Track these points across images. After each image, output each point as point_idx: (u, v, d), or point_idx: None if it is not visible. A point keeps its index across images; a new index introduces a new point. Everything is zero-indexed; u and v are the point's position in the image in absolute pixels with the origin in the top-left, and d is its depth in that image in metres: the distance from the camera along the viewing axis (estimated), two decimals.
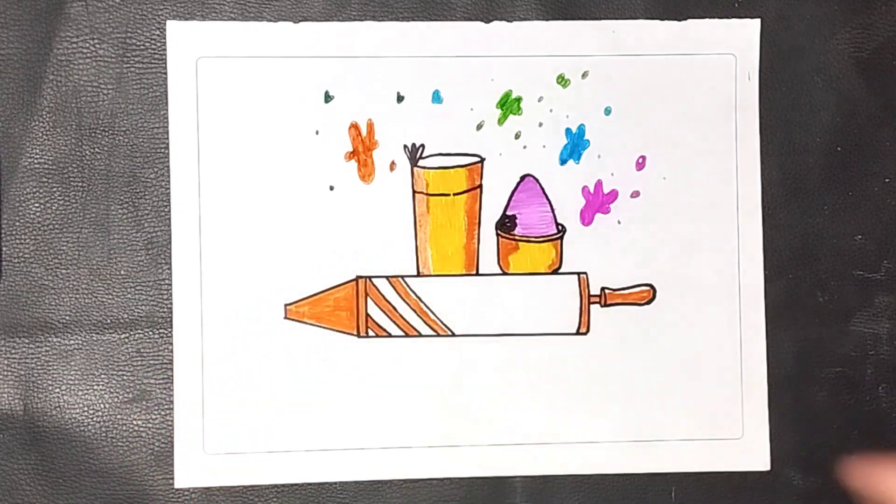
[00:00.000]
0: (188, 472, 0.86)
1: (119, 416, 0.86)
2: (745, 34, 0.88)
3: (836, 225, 0.89)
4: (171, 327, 0.86)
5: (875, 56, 0.89)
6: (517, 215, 0.87)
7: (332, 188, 0.86)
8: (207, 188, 0.86)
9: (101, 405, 0.86)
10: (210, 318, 0.86)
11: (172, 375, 0.86)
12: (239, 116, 0.86)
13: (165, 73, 0.86)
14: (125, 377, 0.86)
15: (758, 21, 0.88)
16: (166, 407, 0.86)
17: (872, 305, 0.89)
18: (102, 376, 0.83)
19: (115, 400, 0.86)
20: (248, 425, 0.85)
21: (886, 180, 0.89)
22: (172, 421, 0.86)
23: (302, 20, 0.86)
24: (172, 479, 0.85)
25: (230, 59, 0.86)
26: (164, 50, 0.86)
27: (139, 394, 0.86)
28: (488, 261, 0.88)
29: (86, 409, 0.85)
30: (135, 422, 0.86)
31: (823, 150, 0.88)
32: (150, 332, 0.86)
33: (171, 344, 0.86)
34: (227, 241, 0.86)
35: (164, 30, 0.85)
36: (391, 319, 0.87)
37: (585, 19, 0.87)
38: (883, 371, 0.89)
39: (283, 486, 0.86)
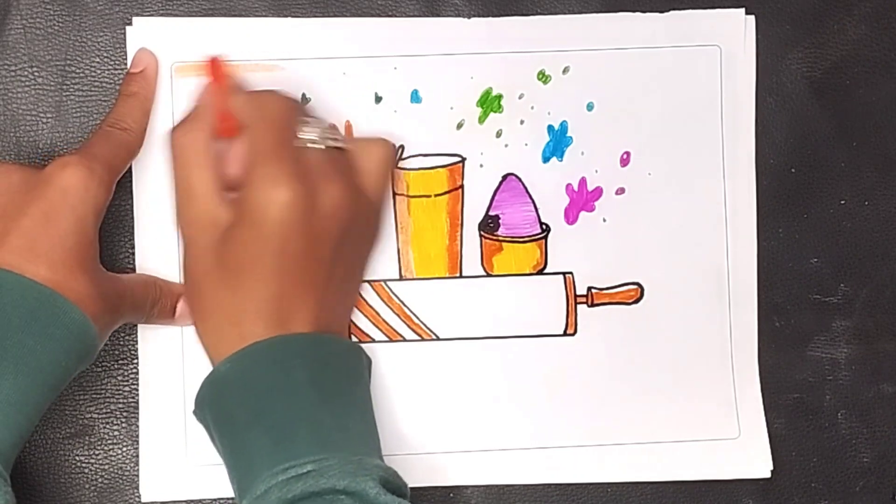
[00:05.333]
0: (166, 485, 0.84)
1: (61, 452, 0.85)
2: (729, 24, 0.87)
3: (791, 248, 0.88)
4: (113, 361, 0.85)
5: (828, 76, 0.89)
6: (500, 215, 0.87)
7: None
8: None
9: (43, 440, 0.85)
10: (191, 328, 0.83)
11: (114, 409, 0.85)
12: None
13: (106, 101, 0.85)
14: (67, 412, 0.85)
15: (742, 11, 0.87)
16: (109, 442, 0.85)
17: (830, 330, 0.89)
18: None
19: (57, 435, 0.85)
20: None
21: (842, 202, 0.89)
22: (115, 456, 0.85)
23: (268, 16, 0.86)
24: None
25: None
26: (105, 77, 0.85)
27: (81, 428, 0.85)
28: (472, 262, 0.87)
29: (26, 444, 0.83)
30: (77, 457, 0.85)
31: (777, 172, 0.88)
32: (93, 366, 0.84)
33: (114, 377, 0.85)
34: None
35: (104, 56, 0.85)
36: (374, 325, 0.86)
37: (564, 13, 0.87)
38: (841, 397, 0.89)
39: None
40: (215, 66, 0.82)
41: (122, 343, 0.85)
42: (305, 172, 0.77)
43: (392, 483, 0.74)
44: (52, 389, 0.75)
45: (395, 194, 0.86)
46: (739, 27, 0.87)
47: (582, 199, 0.87)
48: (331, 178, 0.78)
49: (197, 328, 0.80)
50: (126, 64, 0.84)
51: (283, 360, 0.76)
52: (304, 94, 0.85)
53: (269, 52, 0.85)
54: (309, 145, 0.79)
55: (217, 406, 0.77)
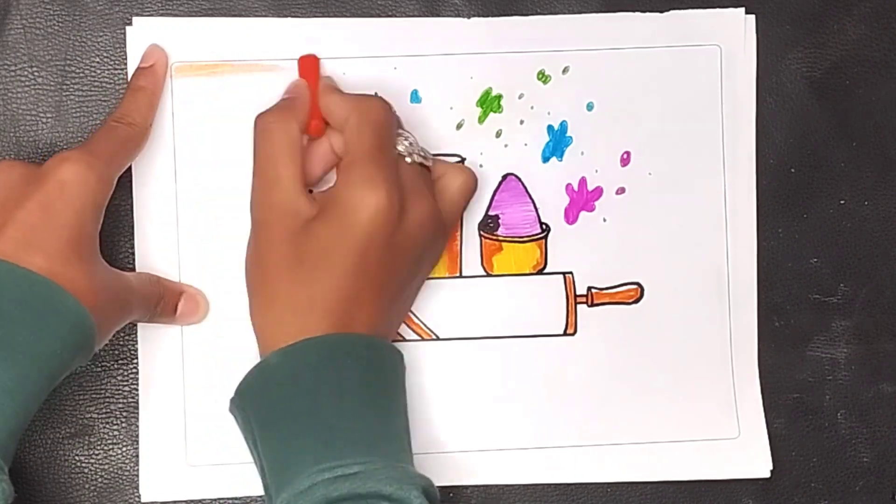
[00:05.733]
0: (166, 485, 0.84)
1: (60, 452, 0.85)
2: (729, 24, 0.87)
3: (791, 248, 0.88)
4: (113, 360, 0.85)
5: (828, 76, 0.88)
6: (500, 215, 0.87)
7: (311, 192, 0.85)
8: (184, 198, 0.85)
9: (43, 440, 0.85)
10: (190, 328, 0.85)
11: (114, 409, 0.85)
12: (214, 124, 0.85)
13: (106, 101, 0.85)
14: (67, 412, 0.85)
15: (741, 10, 0.87)
16: (109, 442, 0.85)
17: (829, 330, 0.89)
18: (43, 410, 0.81)
19: (57, 435, 0.85)
20: (232, 436, 0.83)
21: (841, 202, 0.89)
22: (115, 456, 0.85)
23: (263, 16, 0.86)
24: None
25: (203, 63, 0.84)
26: (105, 77, 0.85)
27: (81, 428, 0.85)
28: (472, 262, 0.87)
29: (26, 444, 0.84)
30: (77, 457, 0.85)
31: (777, 172, 0.88)
32: (93, 366, 0.84)
33: (114, 377, 0.85)
34: (206, 249, 0.85)
35: (105, 56, 0.85)
36: None
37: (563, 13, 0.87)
38: (841, 397, 0.89)
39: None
40: (310, 64, 0.82)
41: (122, 343, 0.85)
42: (400, 183, 0.78)
43: (431, 494, 0.74)
44: (49, 379, 0.74)
45: None
46: (739, 27, 0.87)
47: (582, 199, 0.87)
48: (422, 194, 0.79)
49: (255, 315, 0.80)
50: (126, 64, 0.84)
51: (337, 358, 0.76)
52: None
53: (269, 52, 0.85)
54: (407, 159, 0.80)
55: (263, 396, 0.77)
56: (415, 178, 0.79)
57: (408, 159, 0.80)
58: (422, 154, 0.81)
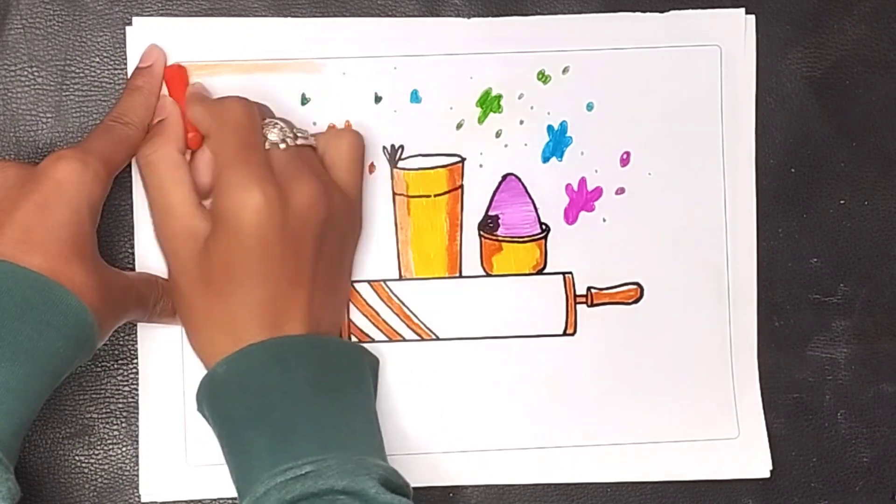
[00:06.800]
0: (166, 485, 0.85)
1: (60, 452, 0.85)
2: (729, 24, 0.87)
3: (791, 248, 0.88)
4: (113, 360, 0.85)
5: (828, 76, 0.88)
6: (500, 215, 0.87)
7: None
8: None
9: (43, 440, 0.85)
10: None
11: (114, 409, 0.85)
12: None
13: (106, 101, 0.85)
14: (67, 412, 0.85)
15: (742, 10, 0.87)
16: (109, 442, 0.85)
17: (829, 330, 0.89)
18: (43, 410, 0.81)
19: (57, 435, 0.85)
20: None
21: (841, 202, 0.89)
22: (115, 456, 0.85)
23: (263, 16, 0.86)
24: None
25: (203, 63, 0.84)
26: (105, 77, 0.85)
27: (81, 428, 0.85)
28: (471, 262, 0.87)
29: (26, 444, 0.84)
30: (77, 457, 0.85)
31: (777, 172, 0.88)
32: (93, 366, 0.84)
33: (114, 377, 0.85)
34: None
35: (105, 56, 0.85)
36: (374, 324, 0.86)
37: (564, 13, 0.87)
38: (841, 397, 0.89)
39: None
40: (176, 77, 0.82)
41: (122, 343, 0.85)
42: (274, 174, 0.78)
43: (393, 482, 0.74)
44: (52, 377, 0.74)
45: (394, 194, 0.86)
46: (739, 27, 0.87)
47: (582, 199, 0.87)
48: (300, 175, 0.78)
49: (190, 339, 0.80)
50: (126, 64, 0.84)
51: (281, 360, 0.76)
52: (303, 94, 0.85)
53: (269, 52, 0.85)
54: (280, 146, 0.79)
55: (215, 406, 0.77)
56: (290, 162, 0.79)
57: (282, 145, 0.79)
58: (298, 135, 0.80)
